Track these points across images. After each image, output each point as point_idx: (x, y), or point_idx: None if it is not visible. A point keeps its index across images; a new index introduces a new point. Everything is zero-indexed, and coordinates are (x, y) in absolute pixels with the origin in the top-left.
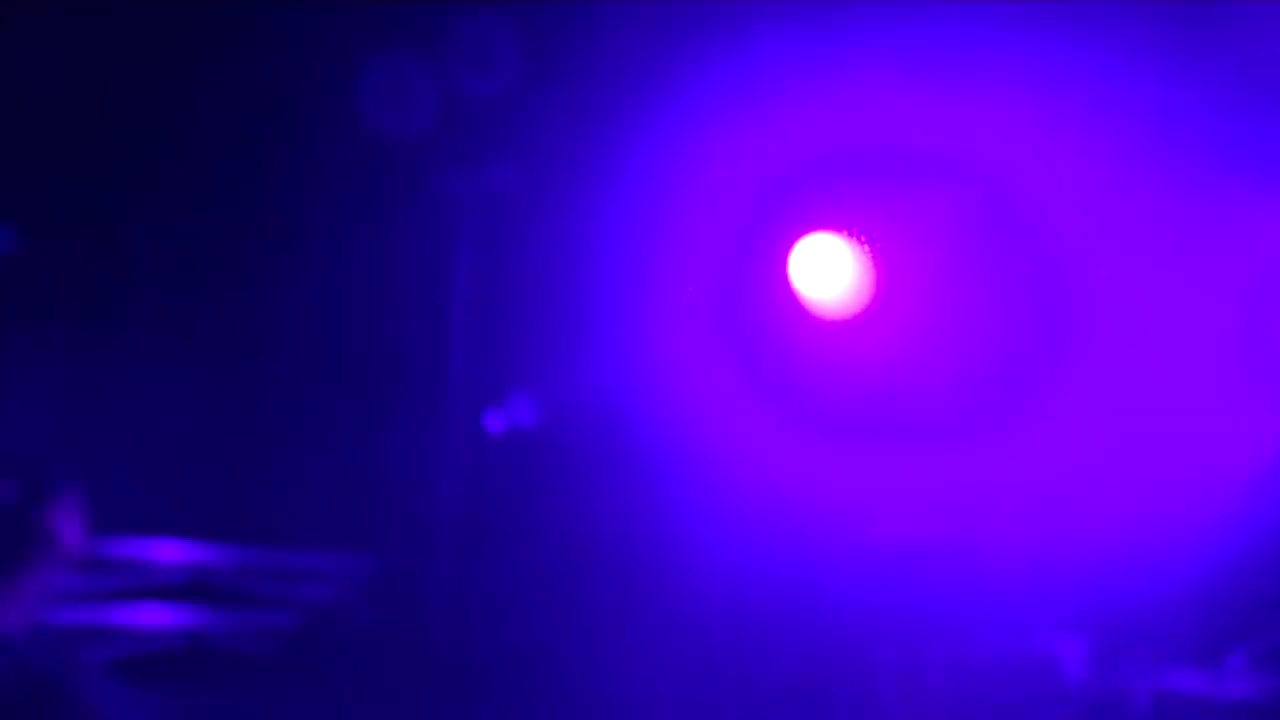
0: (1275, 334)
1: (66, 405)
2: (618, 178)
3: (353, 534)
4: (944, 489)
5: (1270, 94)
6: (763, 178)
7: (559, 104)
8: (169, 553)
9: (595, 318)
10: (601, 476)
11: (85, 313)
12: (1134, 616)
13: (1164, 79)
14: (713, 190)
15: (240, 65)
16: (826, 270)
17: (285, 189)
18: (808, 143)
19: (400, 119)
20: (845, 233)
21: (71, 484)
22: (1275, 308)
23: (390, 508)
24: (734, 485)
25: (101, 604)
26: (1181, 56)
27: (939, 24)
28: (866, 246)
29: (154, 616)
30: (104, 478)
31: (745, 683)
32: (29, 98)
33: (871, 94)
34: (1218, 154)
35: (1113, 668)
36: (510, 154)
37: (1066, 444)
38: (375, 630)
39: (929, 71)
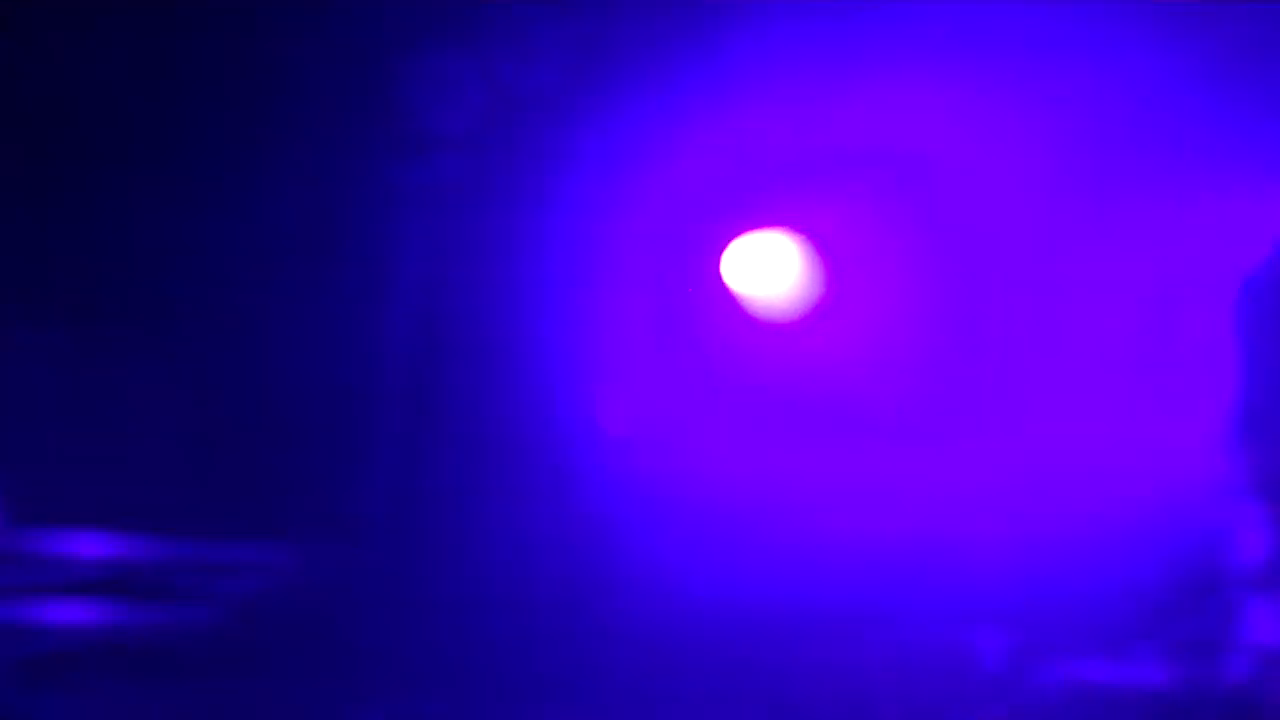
0: (1209, 340)
1: None
2: (567, 171)
3: (281, 526)
4: (872, 485)
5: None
6: (713, 176)
7: (511, 95)
8: (88, 547)
9: (540, 311)
10: (543, 474)
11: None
12: (1050, 608)
13: (1132, 74)
14: (662, 187)
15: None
16: (770, 269)
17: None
18: (758, 141)
19: (348, 107)
20: (791, 232)
21: None
22: (1217, 315)
23: (321, 499)
24: (676, 482)
25: (18, 600)
26: (1158, 50)
27: (884, 19)
28: (812, 246)
29: (73, 613)
30: (23, 471)
31: (683, 678)
32: None
33: (823, 90)
34: (1187, 156)
35: (1030, 659)
36: (459, 143)
37: (992, 440)
38: (304, 624)
39: (876, 68)
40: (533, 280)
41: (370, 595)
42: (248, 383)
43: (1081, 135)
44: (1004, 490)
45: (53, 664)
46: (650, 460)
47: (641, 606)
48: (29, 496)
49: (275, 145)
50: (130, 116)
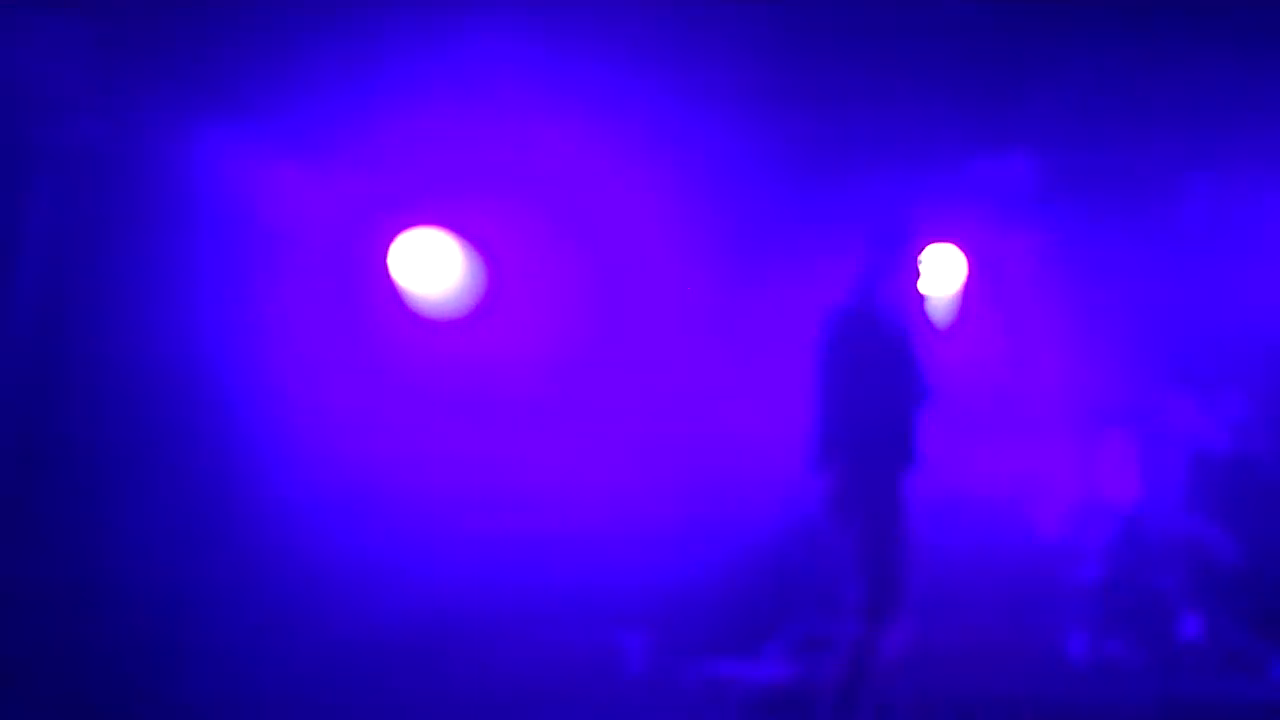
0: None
1: None
2: (223, 152)
3: None
4: (519, 483)
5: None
6: (380, 176)
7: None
8: None
9: (192, 293)
10: (179, 456)
11: None
12: (684, 608)
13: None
14: (328, 184)
15: None
16: (432, 267)
17: None
18: (425, 147)
19: None
20: (454, 234)
21: None
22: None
23: None
24: (331, 469)
25: None
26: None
27: (553, 54)
28: (474, 248)
29: None
30: None
31: (325, 671)
32: None
33: (488, 106)
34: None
35: (667, 657)
36: (103, 107)
37: (625, 444)
38: None
39: (539, 95)
40: (182, 269)
41: None
42: None
43: (699, 192)
44: (643, 493)
45: None
46: (306, 450)
47: (292, 600)
48: None
49: None
50: None
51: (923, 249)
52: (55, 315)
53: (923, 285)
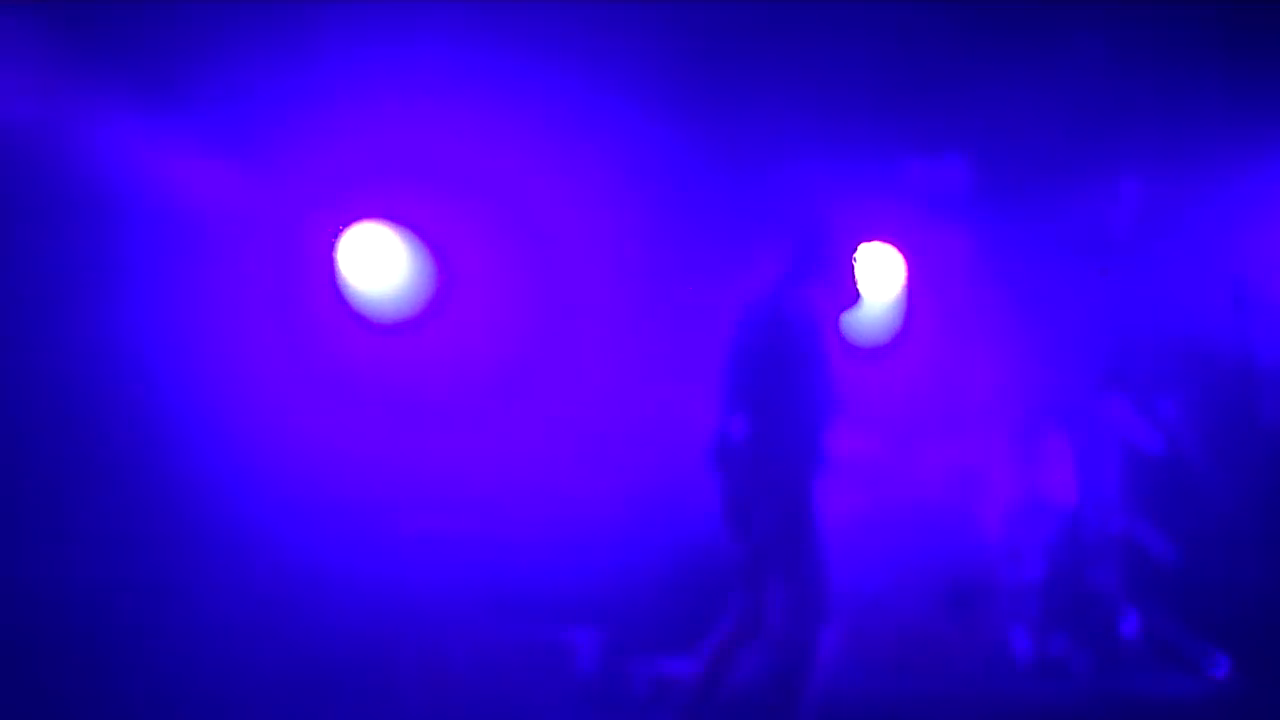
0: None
1: None
2: (156, 145)
3: None
4: (465, 482)
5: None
6: (329, 178)
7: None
8: None
9: (128, 292)
10: (115, 457)
11: None
12: (634, 606)
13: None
14: (261, 176)
15: None
16: (378, 266)
17: None
18: (374, 146)
19: None
20: (400, 231)
21: None
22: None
23: None
24: (277, 470)
25: None
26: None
27: (488, 54)
28: (420, 246)
29: None
30: None
31: (275, 673)
32: None
33: (417, 106)
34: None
35: (617, 655)
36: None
37: (573, 443)
38: None
39: (475, 93)
40: (115, 266)
41: None
42: None
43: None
44: (593, 491)
45: None
46: (250, 452)
47: (239, 602)
48: None
49: None
50: None
51: (852, 249)
52: None
53: (860, 286)
